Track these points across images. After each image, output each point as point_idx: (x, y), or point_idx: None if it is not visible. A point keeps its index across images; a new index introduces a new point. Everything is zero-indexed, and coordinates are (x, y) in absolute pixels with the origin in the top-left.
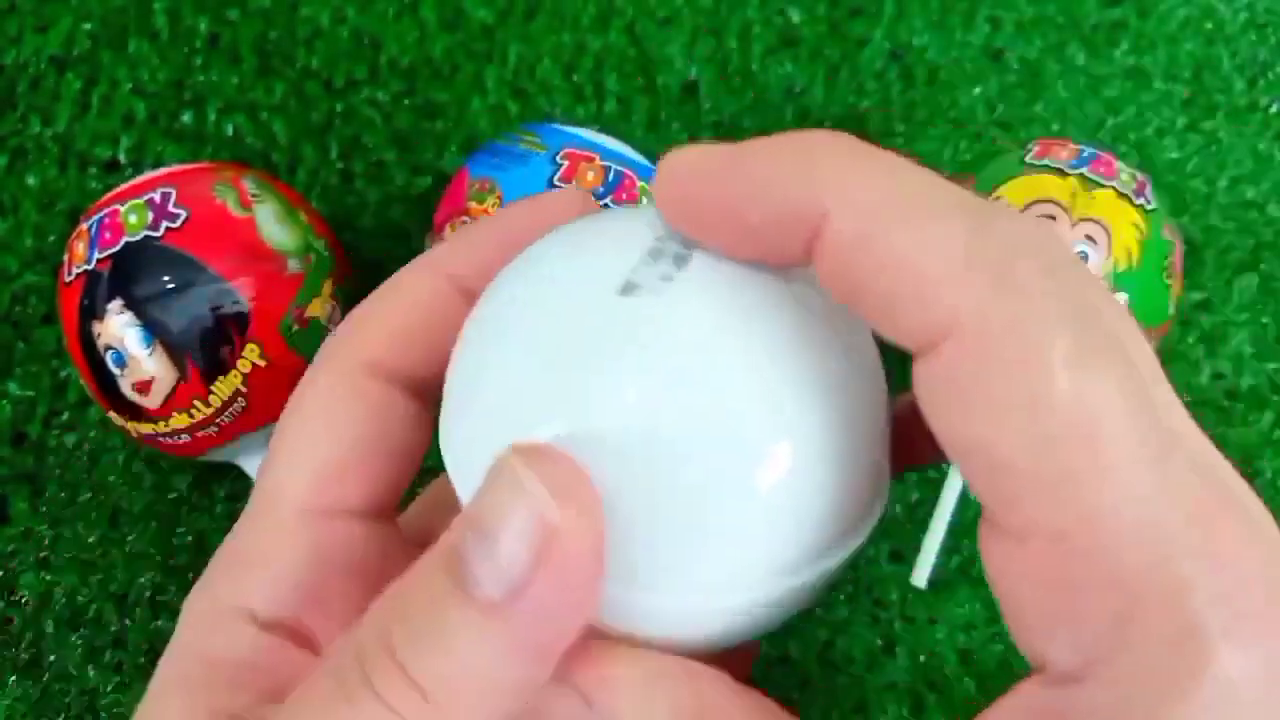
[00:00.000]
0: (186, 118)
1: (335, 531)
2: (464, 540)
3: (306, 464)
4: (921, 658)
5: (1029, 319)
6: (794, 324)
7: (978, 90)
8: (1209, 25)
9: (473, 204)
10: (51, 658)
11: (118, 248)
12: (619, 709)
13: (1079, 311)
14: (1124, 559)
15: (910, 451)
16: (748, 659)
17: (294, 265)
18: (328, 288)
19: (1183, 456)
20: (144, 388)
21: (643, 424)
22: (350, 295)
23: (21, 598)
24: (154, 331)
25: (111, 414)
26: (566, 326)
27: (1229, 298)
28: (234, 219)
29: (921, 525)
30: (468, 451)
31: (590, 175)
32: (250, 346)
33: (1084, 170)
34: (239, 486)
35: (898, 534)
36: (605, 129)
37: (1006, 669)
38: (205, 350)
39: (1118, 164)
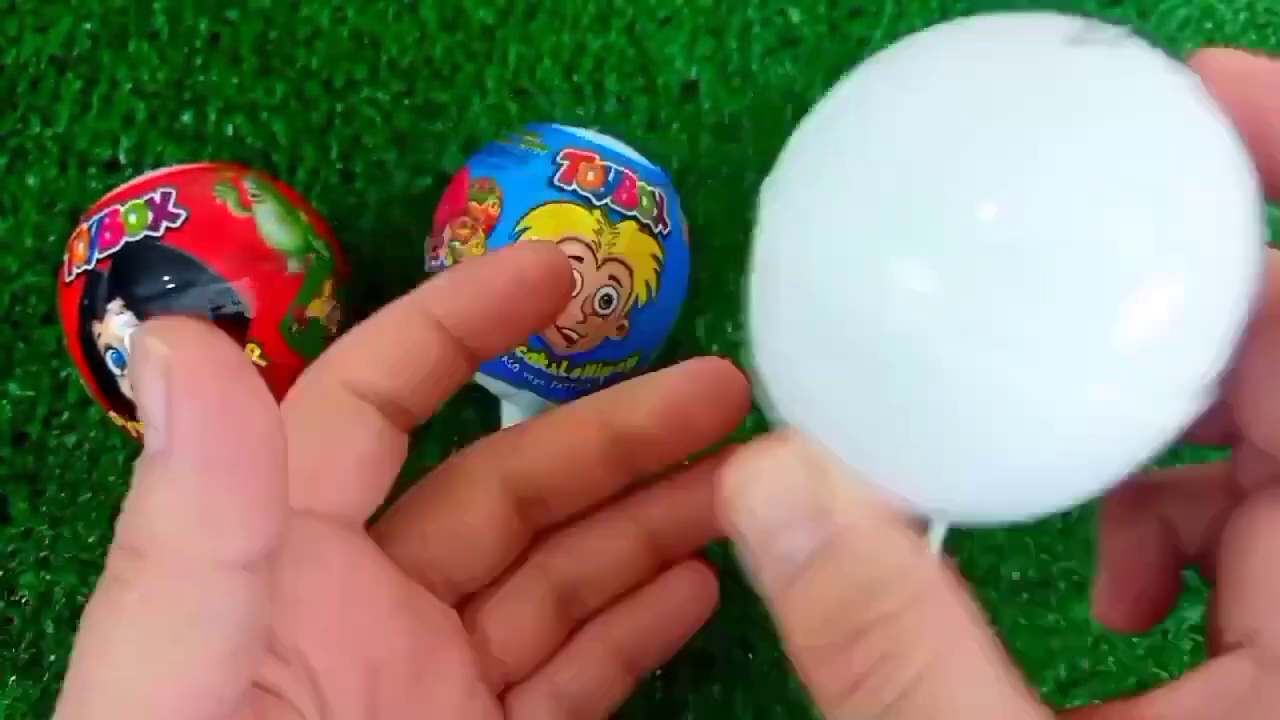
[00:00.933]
0: (186, 118)
1: (303, 531)
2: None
3: None
4: None
5: None
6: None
7: None
8: (1209, 25)
9: (473, 204)
10: (51, 658)
11: (118, 248)
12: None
13: None
14: None
15: None
16: None
17: (294, 265)
18: (328, 288)
19: None
20: None
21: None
22: (350, 295)
23: (21, 598)
24: None
25: (111, 414)
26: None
27: None
28: (234, 219)
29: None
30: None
31: (590, 175)
32: (250, 346)
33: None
34: None
35: None
36: (605, 129)
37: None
38: None
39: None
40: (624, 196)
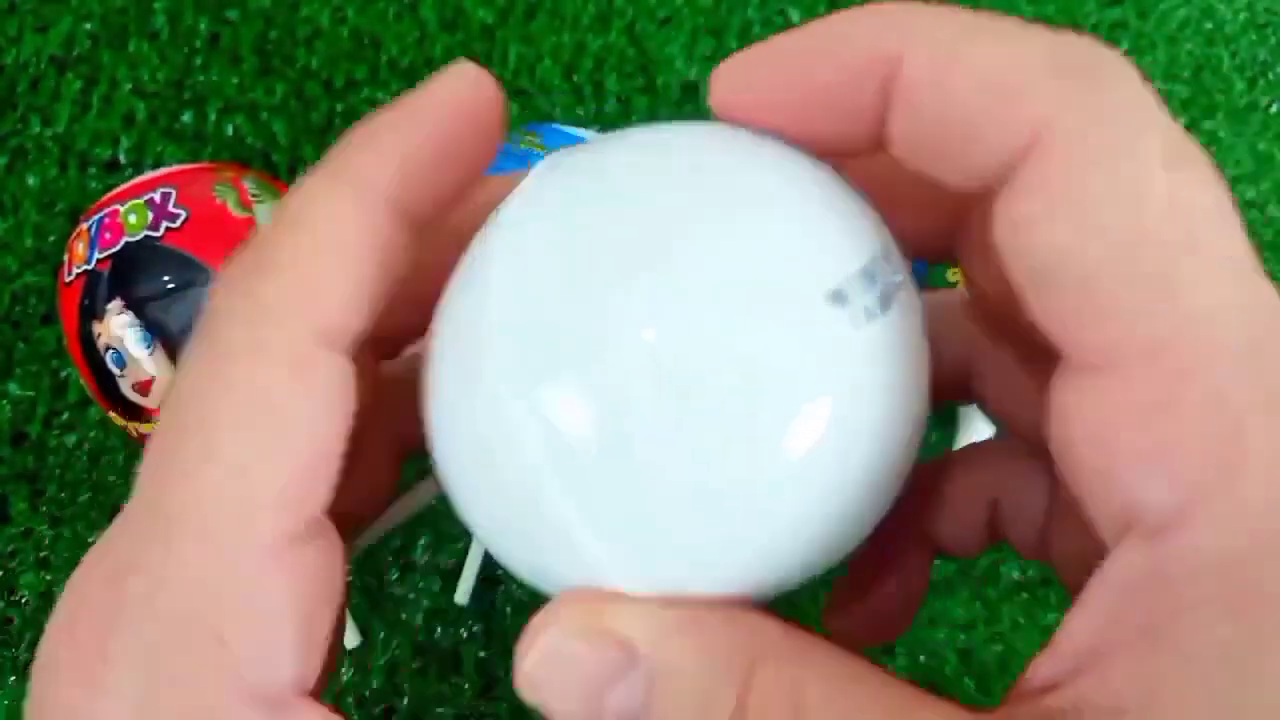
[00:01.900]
0: (186, 118)
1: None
2: None
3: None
4: (921, 658)
5: (1121, 119)
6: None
7: None
8: (1209, 25)
9: None
10: None
11: (118, 248)
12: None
13: (1163, 119)
14: (1224, 372)
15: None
16: None
17: None
18: None
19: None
20: (144, 388)
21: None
22: None
23: (21, 598)
24: (154, 332)
25: (111, 414)
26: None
27: None
28: (234, 219)
29: None
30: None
31: None
32: None
33: None
34: None
35: None
36: (605, 129)
37: (1006, 669)
38: None
39: None
40: None
